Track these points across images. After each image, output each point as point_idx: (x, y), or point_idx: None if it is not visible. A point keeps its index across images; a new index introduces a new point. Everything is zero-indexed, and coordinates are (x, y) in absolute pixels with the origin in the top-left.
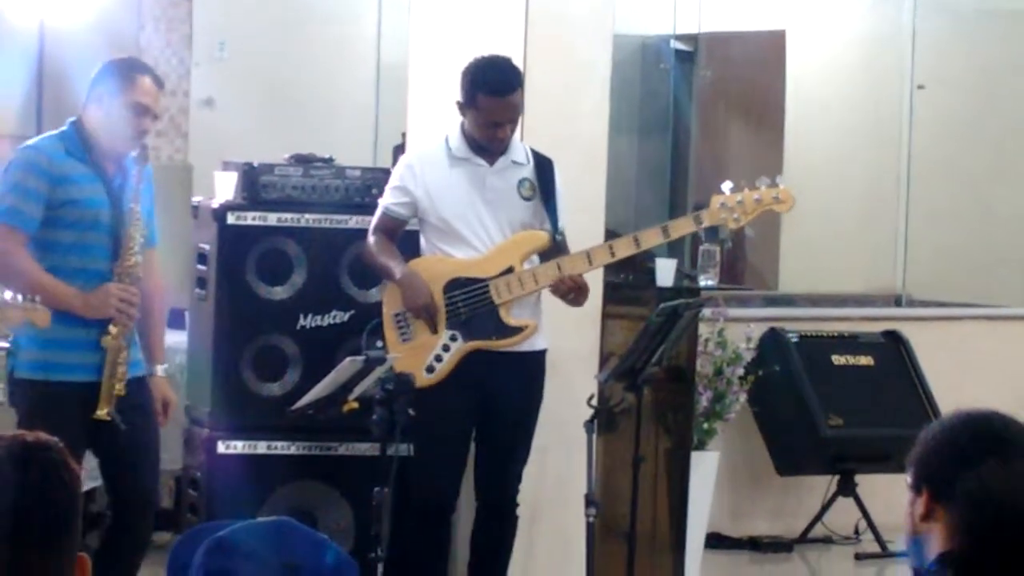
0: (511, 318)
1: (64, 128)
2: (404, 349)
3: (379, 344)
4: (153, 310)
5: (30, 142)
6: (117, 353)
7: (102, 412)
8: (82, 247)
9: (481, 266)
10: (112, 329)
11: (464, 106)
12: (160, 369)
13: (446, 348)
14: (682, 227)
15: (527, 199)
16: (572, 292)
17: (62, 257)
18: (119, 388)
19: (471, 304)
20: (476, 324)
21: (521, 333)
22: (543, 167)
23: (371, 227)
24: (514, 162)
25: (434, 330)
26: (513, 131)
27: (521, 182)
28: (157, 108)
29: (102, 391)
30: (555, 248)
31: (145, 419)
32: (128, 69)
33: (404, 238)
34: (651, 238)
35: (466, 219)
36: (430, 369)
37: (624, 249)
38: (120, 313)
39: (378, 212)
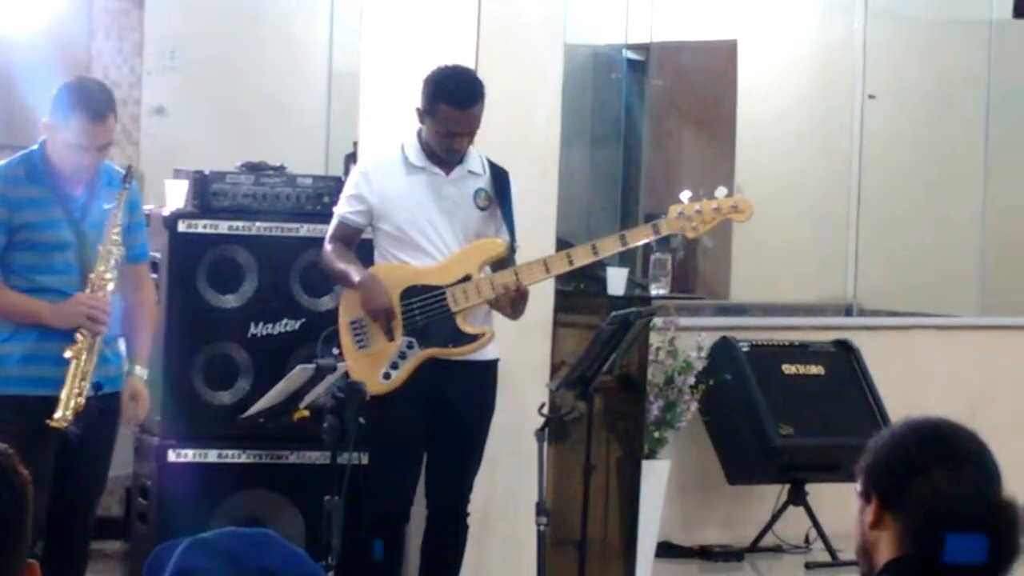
0: (467, 326)
1: (33, 148)
2: (360, 356)
3: (335, 351)
4: (140, 322)
5: None
6: (81, 363)
7: (58, 417)
8: (47, 268)
9: (438, 274)
10: (78, 338)
11: (423, 113)
12: (139, 370)
13: (403, 355)
14: (640, 236)
15: (483, 209)
16: (512, 304)
17: (28, 278)
18: (79, 401)
19: (428, 311)
20: (433, 331)
21: (478, 340)
22: (499, 178)
23: (328, 236)
24: (470, 172)
25: (391, 337)
26: (470, 143)
27: (477, 192)
28: (101, 140)
29: (62, 398)
30: (509, 259)
31: (98, 442)
32: (66, 104)
33: (360, 248)
34: (609, 246)
35: (421, 227)
36: (386, 376)
37: (582, 257)
38: (90, 321)
39: (334, 221)
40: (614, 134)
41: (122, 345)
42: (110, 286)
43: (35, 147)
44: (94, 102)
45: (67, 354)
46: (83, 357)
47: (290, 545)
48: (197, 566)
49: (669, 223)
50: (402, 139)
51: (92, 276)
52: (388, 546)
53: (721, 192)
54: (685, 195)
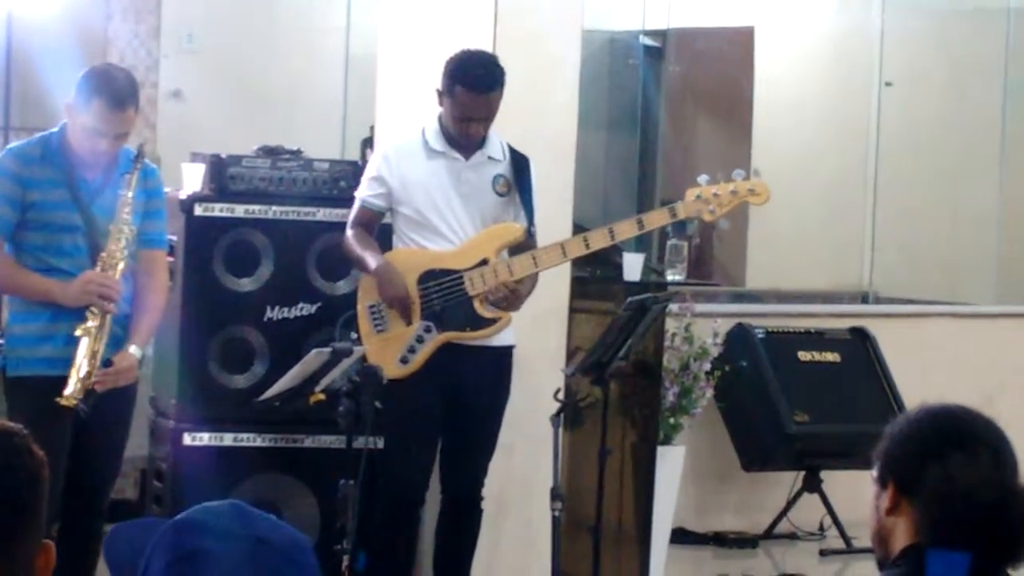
0: (485, 310)
1: (54, 130)
2: (378, 340)
3: (353, 335)
4: (145, 304)
5: (12, 144)
6: (92, 340)
7: (68, 394)
8: (56, 248)
9: (456, 258)
10: (89, 316)
11: (442, 94)
12: (133, 348)
13: (420, 339)
14: (657, 219)
15: (501, 195)
16: (506, 299)
17: (38, 258)
18: (89, 379)
19: (445, 295)
20: (450, 315)
21: (495, 324)
22: (519, 164)
23: (349, 220)
24: (490, 157)
25: (408, 321)
26: (487, 128)
27: (496, 178)
28: (120, 129)
29: (72, 375)
30: (527, 243)
31: (113, 423)
32: (89, 89)
33: (381, 232)
34: (626, 230)
35: (440, 211)
36: (404, 360)
37: (599, 241)
38: (100, 299)
39: (356, 205)
40: (631, 120)
41: None
42: (121, 265)
43: (55, 129)
44: (117, 90)
45: (78, 332)
46: (93, 335)
47: (260, 511)
48: (202, 547)
49: (686, 206)
50: (423, 123)
51: (103, 255)
52: (402, 530)
53: (738, 175)
54: (702, 179)
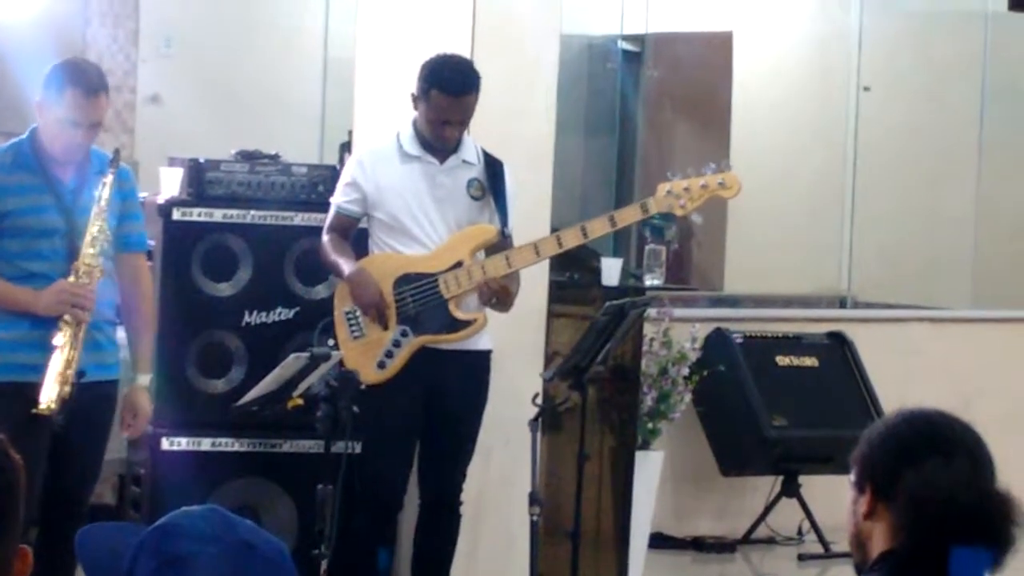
0: (460, 312)
1: (24, 135)
2: (355, 346)
3: (331, 342)
4: (141, 324)
5: None
6: (67, 351)
7: (43, 407)
8: (33, 253)
9: (430, 261)
10: (62, 324)
11: (417, 98)
12: (142, 379)
13: (397, 344)
14: (629, 216)
15: (476, 199)
16: (495, 296)
17: (14, 264)
18: (65, 388)
19: (421, 299)
20: (426, 319)
21: (471, 326)
22: (493, 168)
23: (325, 226)
24: (464, 161)
25: (385, 326)
26: (461, 132)
27: (470, 182)
28: (94, 117)
29: (46, 385)
30: (502, 246)
31: (92, 429)
32: (60, 80)
33: (359, 237)
34: (598, 228)
35: (414, 216)
36: (381, 365)
37: (571, 239)
38: (73, 308)
39: (331, 211)
40: (609, 125)
41: (120, 333)
42: (96, 272)
43: (24, 136)
44: (88, 78)
45: (55, 341)
46: (68, 343)
47: (242, 517)
48: (187, 552)
49: (658, 201)
50: (398, 128)
51: (76, 263)
52: (381, 534)
53: (709, 168)
54: (673, 176)
